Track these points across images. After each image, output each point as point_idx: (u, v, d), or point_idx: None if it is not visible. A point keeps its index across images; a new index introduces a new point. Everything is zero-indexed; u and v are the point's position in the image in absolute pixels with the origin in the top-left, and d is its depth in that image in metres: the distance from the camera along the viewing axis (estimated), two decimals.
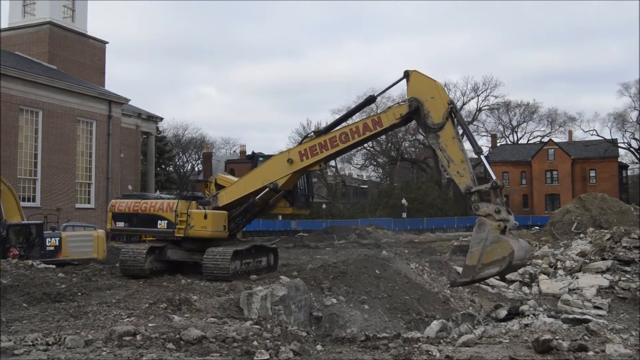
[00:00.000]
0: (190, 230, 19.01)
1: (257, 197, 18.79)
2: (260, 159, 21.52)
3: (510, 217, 14.04)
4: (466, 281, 14.22)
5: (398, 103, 16.62)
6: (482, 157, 15.29)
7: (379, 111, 17.76)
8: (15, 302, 13.94)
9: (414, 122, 16.78)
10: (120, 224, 20.37)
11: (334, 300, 17.43)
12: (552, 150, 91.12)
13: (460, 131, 15.56)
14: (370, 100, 18.19)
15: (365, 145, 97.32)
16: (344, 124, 17.93)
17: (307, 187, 21.20)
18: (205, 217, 18.95)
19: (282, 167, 18.32)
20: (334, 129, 17.77)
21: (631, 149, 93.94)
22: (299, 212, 21.63)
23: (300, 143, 19.04)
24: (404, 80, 16.09)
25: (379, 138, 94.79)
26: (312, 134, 18.51)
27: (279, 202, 20.02)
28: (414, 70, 15.89)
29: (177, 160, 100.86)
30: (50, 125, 36.72)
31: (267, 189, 18.47)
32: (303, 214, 23.43)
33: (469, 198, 14.78)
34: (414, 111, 15.69)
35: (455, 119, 15.30)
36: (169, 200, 20.06)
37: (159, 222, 19.54)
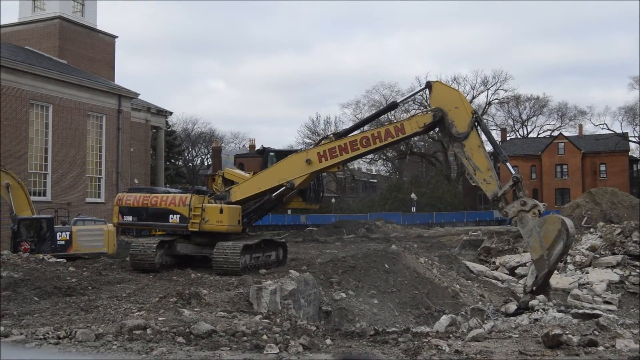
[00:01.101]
0: (205, 224, 19.05)
1: (273, 195, 18.91)
2: (271, 153, 21.59)
3: (538, 202, 14.58)
4: (545, 273, 14.25)
5: (422, 112, 17.13)
6: (507, 164, 15.64)
7: (394, 119, 18.41)
8: (27, 295, 14.04)
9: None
10: (128, 218, 20.34)
11: (343, 295, 17.46)
12: (562, 144, 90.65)
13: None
14: (392, 106, 18.66)
15: None
16: (364, 128, 18.44)
17: (317, 182, 21.27)
18: (221, 211, 18.99)
19: (300, 167, 18.48)
20: (354, 133, 18.17)
21: None
22: (309, 207, 21.81)
23: (317, 144, 19.33)
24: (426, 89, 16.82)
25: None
26: (332, 135, 18.84)
27: (293, 198, 20.18)
28: (437, 81, 16.38)
29: (186, 154, 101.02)
30: (60, 119, 36.84)
31: (284, 188, 18.63)
32: (313, 208, 23.58)
33: (496, 204, 15.29)
34: (438, 121, 16.07)
35: (479, 128, 15.70)
36: (181, 194, 20.05)
37: (171, 216, 19.54)
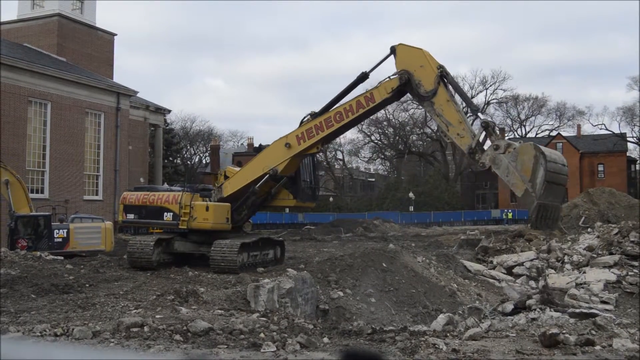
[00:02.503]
0: (193, 222, 19.11)
1: (257, 185, 18.77)
2: None
3: (512, 142, 13.90)
4: (536, 206, 13.29)
5: (388, 77, 16.32)
6: (479, 114, 15.22)
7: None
8: (24, 293, 14.03)
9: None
10: (131, 216, 20.52)
11: (341, 293, 17.45)
12: (561, 144, 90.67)
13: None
14: (363, 77, 17.51)
15: (373, 138, 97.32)
16: (338, 104, 17.71)
17: (312, 179, 21.12)
18: (207, 209, 19.01)
19: (280, 152, 18.22)
20: (329, 110, 17.53)
21: None
22: (303, 205, 21.46)
23: (299, 127, 18.75)
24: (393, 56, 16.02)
25: (386, 131, 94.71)
26: (309, 116, 18.19)
27: (281, 194, 19.92)
28: (400, 44, 15.75)
29: (184, 152, 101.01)
30: (58, 117, 36.81)
31: (267, 176, 18.41)
32: (309, 207, 23.33)
33: (472, 158, 14.64)
34: (405, 83, 15.54)
35: (447, 81, 15.10)
36: (174, 192, 20.14)
37: (165, 214, 19.67)
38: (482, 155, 14.07)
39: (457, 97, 17.22)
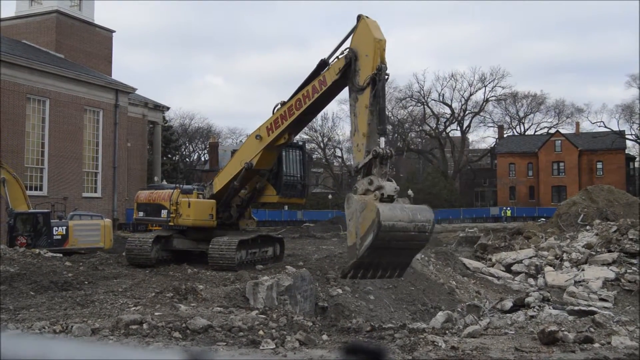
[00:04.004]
0: (179, 219, 19.29)
1: (236, 181, 18.81)
2: None
3: (387, 184, 12.72)
4: (353, 263, 12.34)
5: (336, 57, 15.07)
6: (381, 139, 13.51)
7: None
8: (23, 290, 14.02)
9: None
10: (141, 214, 20.99)
11: (340, 291, 17.47)
12: (559, 141, 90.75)
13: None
14: (322, 65, 16.00)
15: None
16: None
17: (302, 175, 21.05)
18: (189, 205, 19.16)
19: (254, 145, 18.11)
20: (292, 98, 16.97)
21: (639, 140, 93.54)
22: (288, 201, 21.38)
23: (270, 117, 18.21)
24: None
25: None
26: (279, 105, 17.64)
27: (267, 190, 19.90)
28: (364, 18, 14.22)
29: (183, 149, 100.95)
30: (57, 114, 36.77)
31: (243, 170, 18.38)
32: (298, 203, 23.30)
33: (355, 176, 13.73)
34: (349, 64, 14.28)
35: (377, 87, 13.66)
36: (169, 190, 20.47)
37: (162, 211, 19.94)
38: (358, 182, 13.21)
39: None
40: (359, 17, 14.33)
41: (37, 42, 41.80)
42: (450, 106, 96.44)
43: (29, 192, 27.66)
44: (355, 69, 14.14)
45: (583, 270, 22.77)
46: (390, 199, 12.64)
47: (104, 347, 0.97)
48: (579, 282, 21.84)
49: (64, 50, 41.97)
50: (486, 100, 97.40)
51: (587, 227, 27.86)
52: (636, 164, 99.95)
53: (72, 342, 0.99)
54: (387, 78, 14.20)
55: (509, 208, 79.31)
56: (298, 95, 16.52)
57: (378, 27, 14.41)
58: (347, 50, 14.46)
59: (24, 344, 1.01)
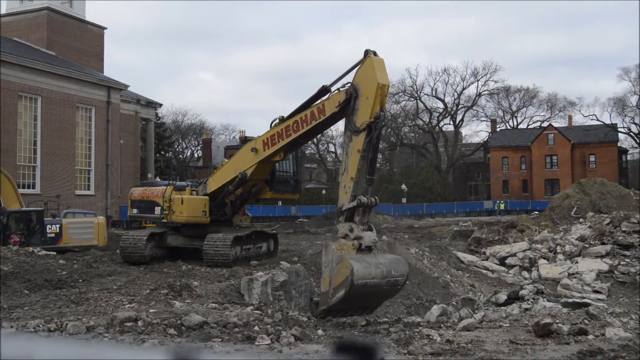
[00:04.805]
0: (172, 215, 19.33)
1: (230, 186, 18.86)
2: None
3: (367, 234, 12.80)
4: (323, 309, 12.44)
5: (338, 90, 14.70)
6: (369, 187, 13.45)
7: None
8: (17, 289, 13.97)
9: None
10: (135, 211, 21.10)
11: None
12: (552, 135, 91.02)
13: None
14: (323, 91, 15.63)
15: None
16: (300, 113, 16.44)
17: (295, 171, 21.07)
18: (182, 202, 19.20)
19: (249, 156, 17.95)
20: (290, 118, 16.67)
21: (631, 133, 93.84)
22: (281, 196, 21.45)
23: (267, 131, 17.98)
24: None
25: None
26: (278, 120, 17.36)
27: (263, 190, 20.01)
28: (371, 57, 13.81)
29: (176, 146, 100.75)
30: (49, 111, 36.64)
31: (237, 179, 18.40)
32: (291, 198, 23.33)
33: (337, 217, 13.81)
34: (349, 100, 13.94)
35: (372, 135, 13.40)
36: (162, 186, 20.54)
37: (155, 208, 19.97)
38: (339, 224, 13.24)
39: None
40: (366, 53, 13.94)
41: (28, 39, 41.62)
42: (443, 100, 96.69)
43: (21, 191, 27.57)
44: (353, 107, 13.82)
45: (577, 262, 22.83)
46: (368, 249, 12.74)
47: (89, 347, 0.97)
48: (573, 274, 21.91)
49: (55, 48, 41.80)
50: (479, 95, 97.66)
51: (581, 220, 27.94)
52: (628, 157, 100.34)
53: (56, 341, 0.99)
54: (384, 125, 14.02)
55: (502, 202, 79.57)
56: (296, 117, 16.27)
57: (384, 67, 14.05)
58: (349, 85, 14.15)
59: (7, 344, 1.01)
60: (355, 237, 12.66)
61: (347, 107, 14.11)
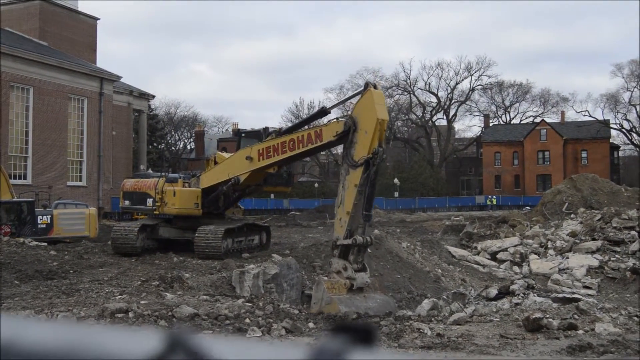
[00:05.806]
0: (164, 207, 19.35)
1: (224, 187, 18.88)
2: (242, 135, 21.57)
3: (360, 275, 12.95)
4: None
5: (337, 119, 14.89)
6: (366, 224, 13.61)
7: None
8: (7, 279, 13.93)
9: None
10: (127, 202, 21.16)
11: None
12: (544, 130, 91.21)
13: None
14: (322, 112, 16.20)
15: None
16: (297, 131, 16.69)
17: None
18: (174, 194, 19.20)
19: (243, 163, 17.96)
20: (288, 134, 16.77)
21: (623, 130, 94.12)
22: (274, 190, 21.55)
23: (265, 140, 18.01)
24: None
25: None
26: (273, 134, 17.50)
27: (258, 188, 20.19)
28: (372, 90, 13.74)
29: (169, 138, 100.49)
30: (41, 102, 36.45)
31: (230, 183, 18.44)
32: (283, 191, 23.42)
33: (331, 249, 13.91)
34: (348, 132, 13.87)
35: (369, 171, 13.40)
36: (155, 178, 20.56)
37: (148, 199, 19.97)
38: (333, 259, 13.45)
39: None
40: (366, 85, 13.91)
41: (20, 29, 41.34)
42: (436, 95, 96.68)
43: (12, 181, 27.45)
44: (352, 140, 13.73)
45: (567, 258, 22.91)
46: (359, 290, 12.91)
47: (78, 329, 0.96)
48: (563, 269, 21.99)
49: (47, 38, 41.55)
50: (472, 89, 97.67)
51: (572, 216, 28.02)
52: (620, 153, 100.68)
53: (46, 323, 0.98)
54: (383, 160, 14.15)
55: (494, 197, 79.79)
56: (293, 135, 16.23)
57: (383, 101, 14.21)
58: (348, 117, 14.11)
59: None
60: (347, 277, 12.80)
61: (344, 138, 14.06)
